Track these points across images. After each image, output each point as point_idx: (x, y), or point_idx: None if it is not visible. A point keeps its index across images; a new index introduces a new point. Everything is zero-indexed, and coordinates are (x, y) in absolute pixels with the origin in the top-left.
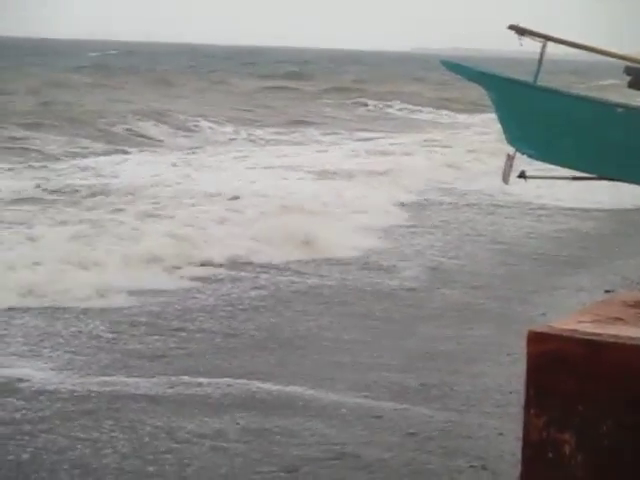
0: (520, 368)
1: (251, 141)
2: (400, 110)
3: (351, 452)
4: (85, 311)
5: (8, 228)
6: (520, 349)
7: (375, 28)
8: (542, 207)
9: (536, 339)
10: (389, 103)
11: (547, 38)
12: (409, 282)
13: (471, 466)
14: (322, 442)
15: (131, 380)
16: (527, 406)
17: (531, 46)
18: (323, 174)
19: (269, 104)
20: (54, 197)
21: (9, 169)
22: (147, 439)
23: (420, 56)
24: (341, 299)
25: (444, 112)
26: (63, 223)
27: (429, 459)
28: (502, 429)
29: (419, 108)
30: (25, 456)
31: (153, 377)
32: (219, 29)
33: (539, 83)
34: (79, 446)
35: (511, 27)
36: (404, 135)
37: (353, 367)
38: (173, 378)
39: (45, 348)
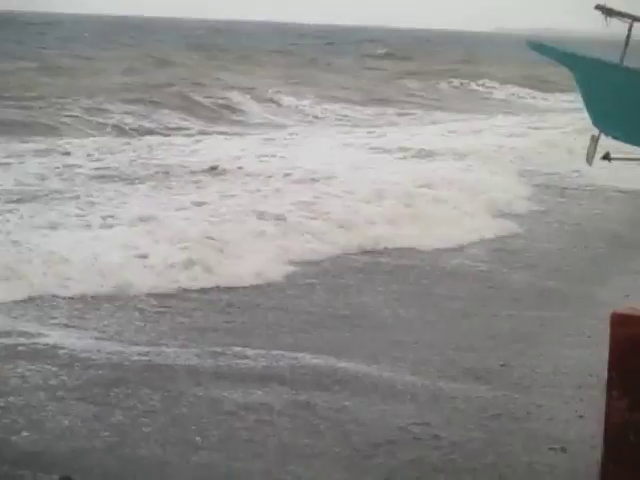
0: (600, 351)
1: (342, 119)
2: (499, 91)
3: (429, 432)
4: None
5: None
6: (600, 331)
7: (453, 9)
8: (616, 190)
9: (620, 322)
10: (491, 85)
11: (634, 19)
12: (486, 264)
13: (551, 448)
14: (397, 421)
15: (171, 350)
16: (609, 388)
17: (620, 27)
18: (419, 154)
19: (360, 84)
20: (146, 173)
21: (94, 144)
22: (186, 409)
23: (503, 37)
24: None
25: (539, 93)
26: (175, 206)
27: (509, 441)
28: (582, 412)
29: (516, 90)
30: (65, 422)
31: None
32: (300, 7)
33: (625, 64)
34: (116, 412)
35: (598, 7)
36: (499, 117)
37: (434, 347)
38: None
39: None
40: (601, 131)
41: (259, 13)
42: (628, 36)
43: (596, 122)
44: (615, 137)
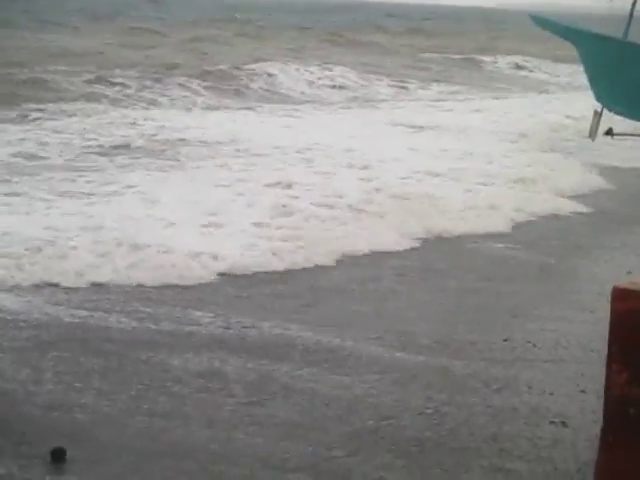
0: (602, 326)
1: (357, 93)
2: (516, 66)
3: (430, 406)
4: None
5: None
6: (602, 307)
7: None
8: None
9: (621, 296)
10: (511, 59)
11: None
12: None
13: (551, 422)
14: (397, 399)
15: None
16: (609, 362)
17: (622, 3)
18: (427, 128)
19: (377, 60)
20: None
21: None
22: (126, 373)
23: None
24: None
25: (555, 68)
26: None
27: (512, 415)
28: (584, 386)
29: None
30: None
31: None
32: None
33: (629, 39)
34: (49, 375)
35: None
36: (514, 92)
37: (429, 321)
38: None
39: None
40: (604, 106)
41: None
42: (631, 11)
43: (599, 97)
44: (618, 112)
